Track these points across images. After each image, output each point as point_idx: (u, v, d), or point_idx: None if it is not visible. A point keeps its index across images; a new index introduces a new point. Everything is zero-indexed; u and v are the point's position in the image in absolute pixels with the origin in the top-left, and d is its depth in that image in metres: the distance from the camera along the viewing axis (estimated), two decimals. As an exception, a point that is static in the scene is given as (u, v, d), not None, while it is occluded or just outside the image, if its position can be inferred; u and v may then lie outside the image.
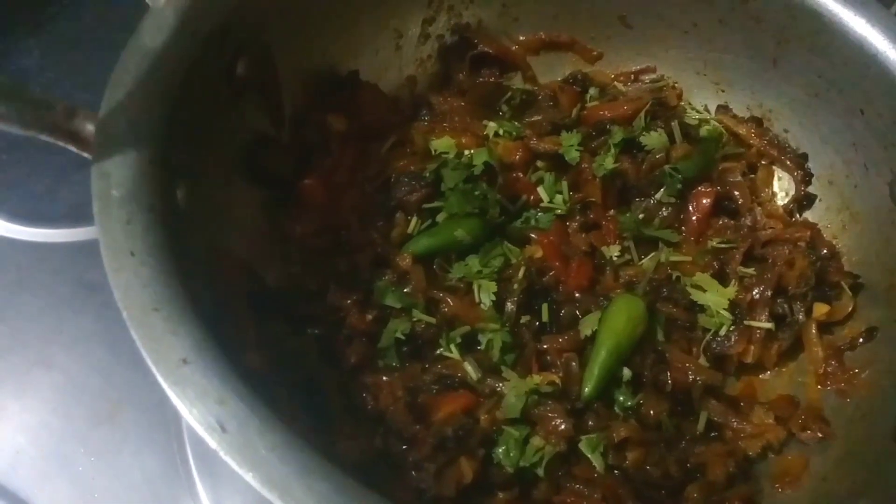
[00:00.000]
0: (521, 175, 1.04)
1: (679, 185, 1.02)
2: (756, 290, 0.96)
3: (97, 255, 0.64)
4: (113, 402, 0.98)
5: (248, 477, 0.55)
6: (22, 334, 1.02)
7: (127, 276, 0.62)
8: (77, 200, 1.13)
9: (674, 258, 1.00)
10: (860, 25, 0.96)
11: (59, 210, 1.10)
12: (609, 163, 1.02)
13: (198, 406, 0.58)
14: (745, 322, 0.95)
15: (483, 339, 0.91)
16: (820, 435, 0.90)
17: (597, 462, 0.83)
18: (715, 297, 0.96)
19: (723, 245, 1.01)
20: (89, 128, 0.71)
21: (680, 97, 1.13)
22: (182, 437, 0.96)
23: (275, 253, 0.94)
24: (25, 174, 1.14)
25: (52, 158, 1.10)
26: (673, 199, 1.03)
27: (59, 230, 1.08)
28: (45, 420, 0.98)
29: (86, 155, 0.71)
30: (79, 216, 1.10)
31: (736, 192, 1.04)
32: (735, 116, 1.11)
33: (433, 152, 1.04)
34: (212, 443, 0.56)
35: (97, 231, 0.65)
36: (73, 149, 0.73)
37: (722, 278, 0.98)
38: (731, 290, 0.96)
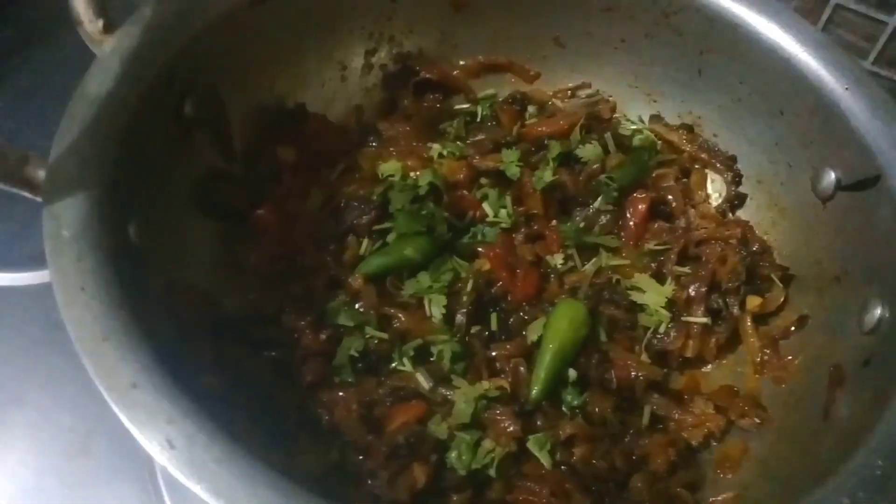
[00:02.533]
0: (466, 193, 1.09)
1: (615, 193, 1.08)
2: (692, 288, 1.01)
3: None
4: (85, 435, 1.02)
5: (197, 489, 0.59)
6: (-5, 376, 1.06)
7: (78, 310, 0.67)
8: (43, 245, 1.17)
9: (613, 262, 1.05)
10: (773, 32, 1.02)
11: (25, 254, 1.14)
12: (548, 176, 1.07)
13: (147, 426, 0.62)
14: (683, 318, 1.00)
15: (434, 350, 0.96)
16: (758, 420, 0.94)
17: (544, 459, 0.88)
18: (653, 297, 1.00)
19: (659, 247, 1.06)
20: (41, 173, 0.76)
21: (613, 110, 1.19)
22: (153, 464, 1.00)
23: (232, 281, 0.98)
24: (-9, 223, 1.18)
25: (16, 206, 1.13)
26: (610, 207, 1.08)
27: (26, 273, 1.12)
28: (20, 457, 1.01)
29: (38, 199, 0.76)
30: (45, 259, 1.14)
31: (670, 197, 1.10)
32: (667, 125, 1.17)
33: (380, 176, 1.09)
34: (161, 459, 0.60)
35: (49, 269, 0.69)
36: (27, 194, 0.77)
37: (659, 278, 1.03)
38: (668, 288, 1.01)
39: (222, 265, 0.98)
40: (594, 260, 1.06)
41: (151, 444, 0.61)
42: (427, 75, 1.19)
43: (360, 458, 0.85)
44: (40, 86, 1.29)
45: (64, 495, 0.99)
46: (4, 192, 0.78)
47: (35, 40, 1.34)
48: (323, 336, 0.93)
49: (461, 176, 1.09)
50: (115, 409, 0.62)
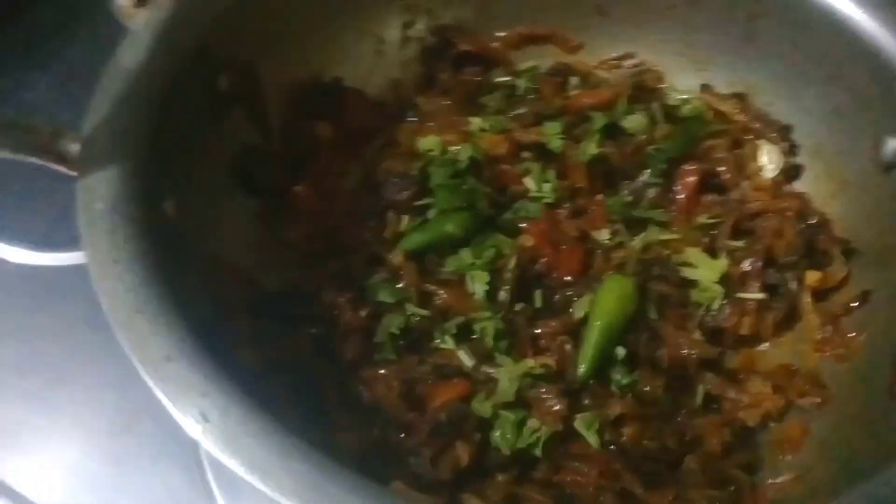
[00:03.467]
0: (507, 167, 1.06)
1: (663, 165, 1.03)
2: (746, 262, 0.97)
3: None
4: (130, 414, 1.02)
5: (231, 463, 0.58)
6: (41, 354, 1.07)
7: (112, 283, 0.66)
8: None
9: (663, 237, 1.00)
10: (828, -8, 0.97)
11: (69, 235, 1.14)
12: (592, 148, 1.03)
13: (181, 400, 0.60)
14: (738, 294, 0.96)
15: (477, 327, 0.93)
16: (818, 400, 0.90)
17: (591, 439, 0.84)
18: (705, 272, 0.96)
19: (711, 220, 1.01)
20: (75, 147, 0.75)
21: (660, 80, 1.14)
22: (197, 443, 0.99)
23: (271, 259, 0.97)
24: (37, 204, 1.19)
25: (61, 188, 1.14)
26: (659, 180, 1.04)
27: (71, 253, 1.12)
28: (66, 434, 1.01)
29: (73, 174, 0.75)
30: (87, 239, 1.13)
31: (722, 168, 1.05)
32: (718, 94, 1.11)
33: (420, 151, 1.06)
34: (195, 433, 0.59)
35: (83, 242, 0.68)
36: (62, 169, 0.77)
37: (712, 253, 0.99)
38: (722, 263, 0.97)
39: (261, 242, 0.97)
40: (642, 235, 1.02)
41: (185, 417, 0.60)
42: (466, 48, 1.15)
43: (402, 435, 0.83)
44: (79, 70, 1.29)
45: (108, 473, 0.99)
46: (50, 176, 0.78)
47: (74, 24, 1.34)
48: (363, 313, 0.91)
49: (502, 150, 1.06)
50: (149, 381, 0.61)
